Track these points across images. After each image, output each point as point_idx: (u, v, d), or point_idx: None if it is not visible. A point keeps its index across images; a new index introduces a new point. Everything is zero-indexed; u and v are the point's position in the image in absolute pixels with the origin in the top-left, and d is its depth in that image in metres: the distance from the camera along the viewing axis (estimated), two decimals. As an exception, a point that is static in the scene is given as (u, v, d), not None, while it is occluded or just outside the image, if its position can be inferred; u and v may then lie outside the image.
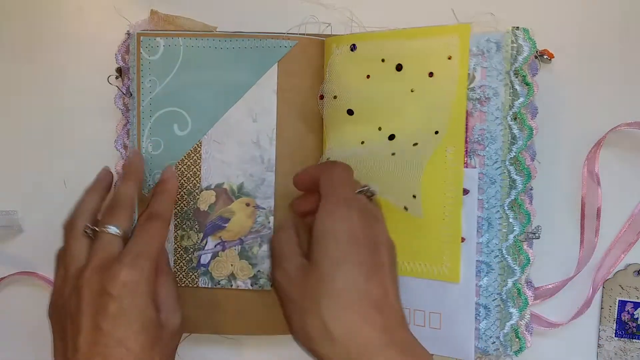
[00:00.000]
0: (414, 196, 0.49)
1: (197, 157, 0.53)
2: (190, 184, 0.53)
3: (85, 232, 0.46)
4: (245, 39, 0.52)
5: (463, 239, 0.49)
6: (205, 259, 0.54)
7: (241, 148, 0.53)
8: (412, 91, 0.50)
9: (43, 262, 0.57)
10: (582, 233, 0.53)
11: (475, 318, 0.49)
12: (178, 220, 0.53)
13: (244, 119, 0.52)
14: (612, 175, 0.52)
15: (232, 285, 0.53)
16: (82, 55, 0.58)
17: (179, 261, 0.53)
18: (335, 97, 0.53)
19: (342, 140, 0.53)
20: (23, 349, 0.58)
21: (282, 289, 0.45)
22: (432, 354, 0.52)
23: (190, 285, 0.54)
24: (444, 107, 0.48)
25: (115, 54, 0.54)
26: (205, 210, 0.53)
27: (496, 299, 0.49)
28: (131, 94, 0.52)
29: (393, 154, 0.50)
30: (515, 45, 0.47)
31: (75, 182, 0.57)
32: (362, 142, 0.52)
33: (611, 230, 0.53)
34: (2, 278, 0.57)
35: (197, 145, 0.52)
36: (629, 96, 0.52)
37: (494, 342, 0.49)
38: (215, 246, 0.53)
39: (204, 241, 0.53)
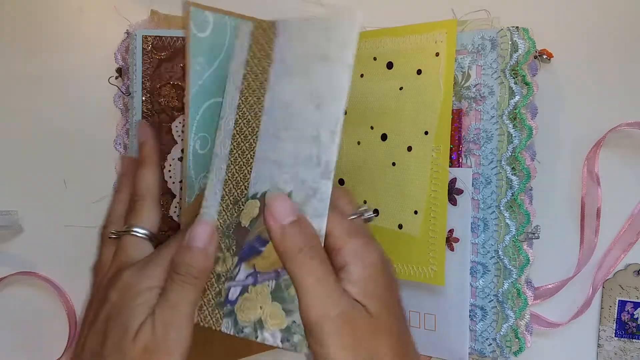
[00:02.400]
0: (416, 212, 0.49)
1: (251, 155, 0.40)
2: (238, 191, 0.40)
3: (110, 237, 0.43)
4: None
5: (457, 240, 0.49)
6: (234, 293, 0.39)
7: (297, 144, 0.39)
8: (401, 89, 0.49)
9: (43, 262, 0.58)
10: (582, 233, 0.52)
11: (472, 319, 0.49)
12: (219, 236, 0.40)
13: (305, 104, 0.39)
14: (612, 175, 0.52)
15: (256, 337, 0.38)
16: (82, 55, 0.58)
17: (208, 291, 0.40)
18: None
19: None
20: (23, 349, 0.58)
21: (320, 332, 0.36)
22: (429, 356, 0.52)
23: (214, 326, 0.39)
24: (432, 105, 0.48)
25: (115, 54, 0.54)
26: (246, 226, 0.39)
27: (492, 300, 0.49)
28: (130, 94, 0.52)
29: (393, 164, 0.50)
30: (510, 43, 0.47)
31: (75, 182, 0.58)
32: (359, 143, 0.52)
33: (611, 230, 0.52)
34: (2, 278, 0.57)
35: (254, 139, 0.40)
36: (629, 96, 0.52)
37: (490, 344, 0.49)
38: (246, 277, 0.39)
39: (237, 268, 0.39)
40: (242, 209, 0.40)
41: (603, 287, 0.53)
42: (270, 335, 0.38)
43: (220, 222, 0.40)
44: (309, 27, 0.40)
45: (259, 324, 0.38)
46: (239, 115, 0.41)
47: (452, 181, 0.49)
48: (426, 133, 0.48)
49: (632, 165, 0.52)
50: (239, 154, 0.40)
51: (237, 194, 0.40)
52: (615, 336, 0.52)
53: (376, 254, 0.39)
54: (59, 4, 0.58)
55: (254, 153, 0.40)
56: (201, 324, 0.40)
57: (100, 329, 0.39)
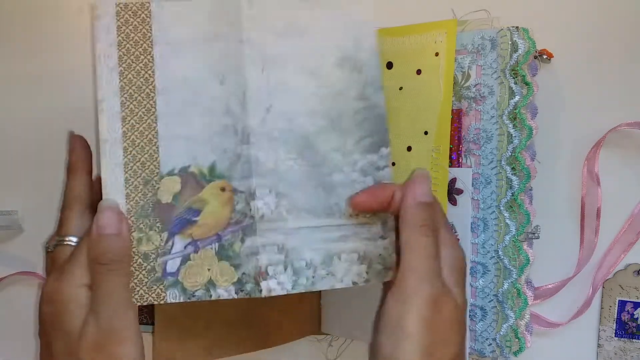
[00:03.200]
0: None
1: (153, 134, 0.42)
2: (147, 171, 0.42)
3: (48, 252, 0.43)
4: None
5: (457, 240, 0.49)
6: (172, 265, 0.42)
7: (208, 118, 0.42)
8: (400, 89, 0.49)
9: (43, 262, 0.57)
10: (582, 233, 0.52)
11: (472, 319, 0.49)
12: (132, 218, 0.41)
13: (207, 82, 0.42)
14: (612, 175, 0.52)
15: (211, 296, 0.42)
16: (82, 55, 0.58)
17: (137, 272, 0.41)
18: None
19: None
20: (23, 349, 0.58)
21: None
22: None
23: (156, 301, 0.41)
24: (432, 106, 0.48)
25: (115, 54, 0.54)
26: (169, 202, 0.42)
27: (492, 300, 0.49)
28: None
29: (393, 163, 0.50)
30: (510, 43, 0.47)
31: (75, 182, 0.57)
32: (358, 142, 0.52)
33: (611, 230, 0.52)
34: (2, 278, 0.57)
35: (152, 119, 0.42)
36: (629, 96, 0.52)
37: (490, 344, 0.49)
38: (185, 247, 0.42)
39: (170, 242, 0.42)
40: (158, 187, 0.41)
41: (603, 287, 0.53)
42: (224, 291, 0.42)
43: (131, 205, 0.41)
44: (193, 8, 0.43)
45: (211, 284, 0.42)
46: (126, 97, 0.42)
47: (452, 181, 0.49)
48: (426, 133, 0.48)
49: (632, 165, 0.52)
50: (136, 136, 0.41)
51: (146, 174, 0.42)
52: (615, 336, 0.52)
53: (463, 252, 0.42)
54: (59, 4, 0.58)
55: (156, 132, 0.42)
56: (138, 303, 0.42)
57: (43, 343, 0.39)
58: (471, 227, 0.49)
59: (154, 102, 0.42)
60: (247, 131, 0.42)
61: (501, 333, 0.49)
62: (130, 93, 0.42)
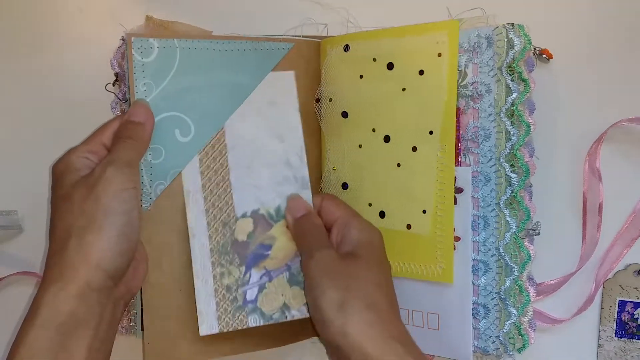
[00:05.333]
0: (424, 211, 0.49)
1: (227, 185, 0.49)
2: (224, 215, 0.49)
3: None
4: (242, 42, 0.50)
5: (458, 238, 0.49)
6: (251, 294, 0.49)
7: (271, 170, 0.51)
8: (403, 90, 0.50)
9: (43, 262, 0.57)
10: (584, 229, 0.52)
11: (474, 317, 0.49)
12: (215, 256, 0.49)
13: (269, 140, 0.51)
14: (613, 171, 0.52)
15: (286, 317, 0.50)
16: (83, 55, 0.58)
17: (222, 303, 0.48)
18: (330, 99, 0.53)
19: (340, 145, 0.53)
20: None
21: (313, 276, 0.46)
22: (432, 355, 0.52)
23: (240, 326, 0.48)
24: (436, 106, 0.48)
25: (111, 60, 0.54)
26: (245, 240, 0.50)
27: (495, 298, 0.49)
28: (127, 100, 0.52)
29: (399, 165, 0.50)
30: (506, 40, 0.47)
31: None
32: (360, 146, 0.52)
33: (613, 226, 0.52)
34: (2, 278, 0.57)
35: (225, 173, 0.49)
36: (629, 92, 0.52)
37: (494, 342, 0.49)
38: (260, 278, 0.49)
39: (247, 274, 0.49)
40: (235, 228, 0.49)
41: (603, 287, 0.52)
42: (297, 312, 0.50)
43: (214, 244, 0.48)
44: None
45: (285, 307, 0.49)
46: (202, 155, 0.49)
47: (452, 180, 0.49)
48: (431, 133, 0.49)
49: (634, 160, 0.52)
50: (213, 186, 0.49)
51: (224, 217, 0.49)
52: (615, 336, 0.52)
53: (377, 231, 0.49)
54: (59, 5, 0.59)
55: (229, 183, 0.49)
56: (225, 330, 0.48)
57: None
58: (472, 225, 0.49)
59: (225, 158, 0.50)
60: (306, 179, 0.51)
61: (504, 330, 0.48)
62: (207, 151, 0.49)
